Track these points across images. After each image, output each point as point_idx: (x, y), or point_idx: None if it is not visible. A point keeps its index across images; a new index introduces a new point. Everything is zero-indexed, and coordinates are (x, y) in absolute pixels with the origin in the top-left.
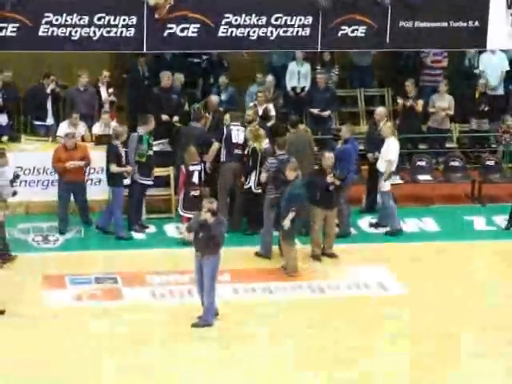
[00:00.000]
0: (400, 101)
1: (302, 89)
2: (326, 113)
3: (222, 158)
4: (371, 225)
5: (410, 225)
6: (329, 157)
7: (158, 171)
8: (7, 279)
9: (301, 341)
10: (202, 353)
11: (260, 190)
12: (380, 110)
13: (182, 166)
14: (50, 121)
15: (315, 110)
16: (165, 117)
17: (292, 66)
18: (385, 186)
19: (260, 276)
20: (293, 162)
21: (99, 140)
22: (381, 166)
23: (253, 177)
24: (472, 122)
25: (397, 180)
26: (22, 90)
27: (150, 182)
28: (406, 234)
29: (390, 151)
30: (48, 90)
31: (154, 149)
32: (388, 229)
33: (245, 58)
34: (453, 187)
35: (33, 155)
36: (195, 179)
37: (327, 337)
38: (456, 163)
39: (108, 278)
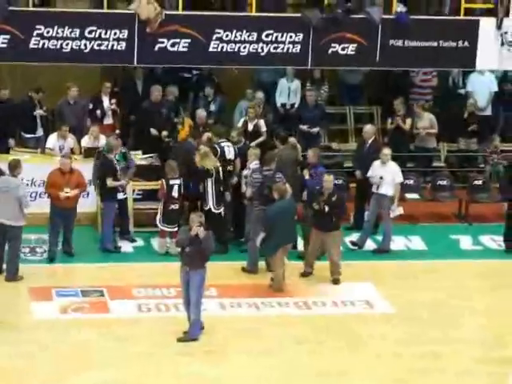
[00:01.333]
0: (389, 120)
1: (292, 105)
2: (316, 130)
3: None
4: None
5: (397, 243)
6: (328, 180)
7: (147, 185)
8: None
9: (286, 357)
10: (188, 367)
11: (221, 210)
12: (368, 128)
13: (162, 180)
14: (39, 132)
15: (305, 127)
16: (154, 131)
17: (282, 83)
18: (396, 210)
19: (246, 291)
20: (279, 183)
21: (88, 153)
22: (388, 190)
23: (210, 197)
24: (460, 141)
25: None
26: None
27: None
28: (392, 251)
29: (396, 174)
30: (35, 113)
31: (143, 162)
32: (377, 247)
33: (235, 74)
34: (440, 206)
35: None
36: (175, 193)
37: (313, 353)
38: (444, 182)
39: (94, 291)
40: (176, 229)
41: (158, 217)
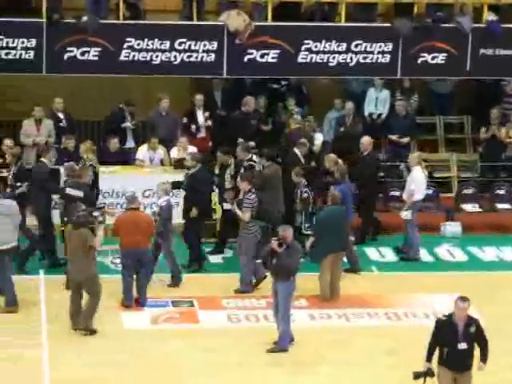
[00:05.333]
0: (483, 129)
1: (379, 115)
2: (405, 139)
3: None
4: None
5: (488, 253)
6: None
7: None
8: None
9: (375, 369)
10: (277, 378)
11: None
12: (365, 140)
13: None
14: (130, 144)
15: (394, 137)
16: (241, 141)
17: (371, 92)
18: (406, 215)
19: (336, 302)
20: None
21: (178, 164)
22: (404, 194)
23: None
24: None
25: (476, 208)
26: (102, 114)
27: None
28: (484, 262)
29: (412, 181)
30: (123, 126)
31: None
32: (405, 255)
33: (324, 84)
34: None
35: (112, 178)
36: None
37: (402, 365)
38: None
39: (185, 302)
40: None
41: None
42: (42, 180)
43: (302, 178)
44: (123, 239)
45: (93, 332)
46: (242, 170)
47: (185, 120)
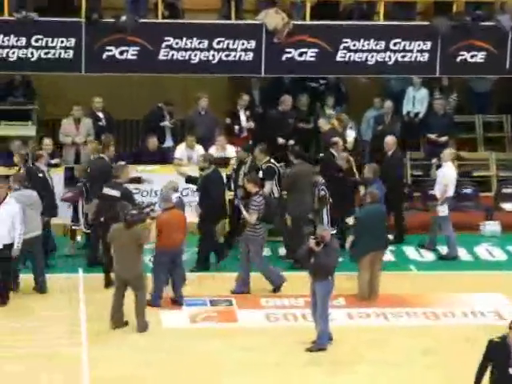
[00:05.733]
0: None
1: (416, 114)
2: (444, 138)
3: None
4: (420, 246)
5: None
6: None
7: None
8: (129, 298)
9: (413, 368)
10: (315, 377)
11: None
12: (389, 139)
13: None
14: (168, 143)
15: (432, 136)
16: (281, 140)
17: (409, 91)
18: (442, 210)
19: (374, 301)
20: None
21: (216, 163)
22: (437, 190)
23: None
24: None
25: None
26: (141, 113)
27: None
28: None
29: (445, 176)
30: (162, 124)
31: None
32: (444, 253)
33: (362, 83)
34: None
35: (150, 177)
36: None
37: (441, 365)
38: None
39: (223, 301)
40: None
41: None
42: (104, 176)
43: (319, 176)
44: (164, 238)
45: (147, 326)
46: (261, 173)
47: (228, 121)
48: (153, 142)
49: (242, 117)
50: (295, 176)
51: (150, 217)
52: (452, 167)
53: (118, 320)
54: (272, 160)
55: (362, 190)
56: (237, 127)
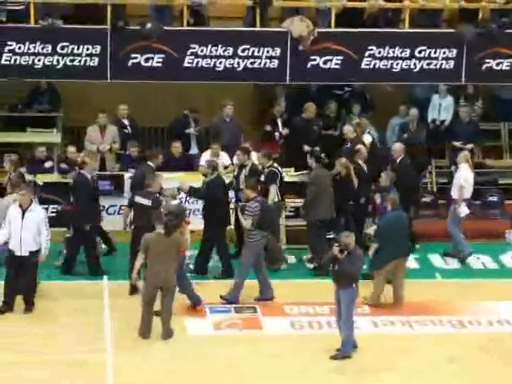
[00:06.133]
0: None
1: (442, 121)
2: (469, 146)
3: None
4: (445, 254)
5: None
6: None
7: (299, 202)
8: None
9: (438, 376)
10: None
11: None
12: (396, 147)
13: None
14: (193, 150)
15: (458, 143)
16: (307, 147)
17: (434, 99)
18: (464, 211)
19: (399, 309)
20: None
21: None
22: (453, 192)
23: None
24: None
25: None
26: (166, 120)
27: None
28: None
29: (461, 178)
30: (187, 131)
31: (295, 179)
32: (461, 256)
33: (388, 90)
34: None
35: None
36: None
37: (465, 373)
38: None
39: (247, 308)
40: None
41: None
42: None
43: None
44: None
45: (172, 333)
46: (262, 177)
47: (268, 128)
48: (176, 147)
49: (279, 124)
50: (315, 181)
51: (186, 221)
52: (468, 169)
53: (146, 332)
54: (275, 164)
55: (377, 198)
56: (277, 134)
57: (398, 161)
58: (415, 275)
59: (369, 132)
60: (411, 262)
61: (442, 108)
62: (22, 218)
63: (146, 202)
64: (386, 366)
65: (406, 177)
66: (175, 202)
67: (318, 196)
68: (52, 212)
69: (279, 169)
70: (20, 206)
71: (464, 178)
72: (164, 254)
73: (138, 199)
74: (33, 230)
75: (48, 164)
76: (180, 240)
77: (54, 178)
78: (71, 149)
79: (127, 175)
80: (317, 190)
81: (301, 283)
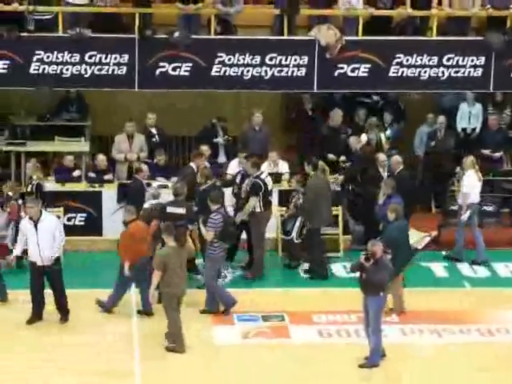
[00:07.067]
0: None
1: (473, 130)
2: (498, 154)
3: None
4: (473, 262)
5: None
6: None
7: None
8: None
9: None
10: None
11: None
12: (393, 160)
13: None
14: (221, 159)
15: (487, 151)
16: (331, 156)
17: (463, 107)
18: (463, 218)
19: (428, 318)
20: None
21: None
22: (459, 198)
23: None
24: None
25: None
26: (194, 129)
27: None
28: None
29: (466, 184)
30: (215, 141)
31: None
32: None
33: (415, 98)
34: None
35: None
36: None
37: (495, 382)
38: None
39: (275, 316)
40: None
41: None
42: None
43: (301, 187)
44: (129, 252)
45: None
46: (248, 188)
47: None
48: (205, 149)
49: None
50: (312, 188)
51: (189, 230)
52: (473, 175)
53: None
54: (263, 175)
55: (380, 200)
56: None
57: (395, 173)
58: (444, 284)
59: (372, 133)
60: (440, 271)
61: (471, 116)
62: (36, 229)
63: (181, 210)
64: (414, 375)
65: (404, 189)
66: (154, 202)
67: (314, 203)
68: (80, 221)
69: (266, 180)
70: (31, 218)
71: (468, 184)
72: (182, 266)
73: (172, 209)
74: (49, 239)
75: (76, 173)
76: (192, 248)
77: (82, 186)
78: (101, 157)
79: (154, 184)
80: (313, 198)
81: (329, 291)
